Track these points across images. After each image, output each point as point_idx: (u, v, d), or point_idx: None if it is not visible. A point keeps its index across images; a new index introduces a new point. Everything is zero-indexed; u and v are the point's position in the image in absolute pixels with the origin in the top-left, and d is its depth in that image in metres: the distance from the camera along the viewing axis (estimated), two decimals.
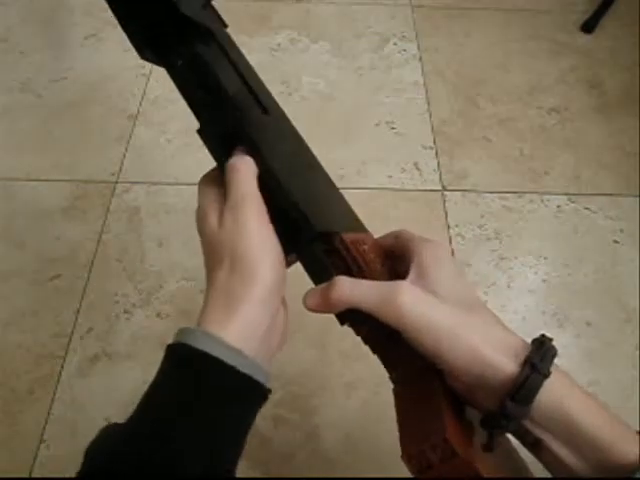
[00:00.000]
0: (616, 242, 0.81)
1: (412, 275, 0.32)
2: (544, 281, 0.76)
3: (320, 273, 0.35)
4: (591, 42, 1.09)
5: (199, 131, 0.36)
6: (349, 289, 0.32)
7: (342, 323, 0.35)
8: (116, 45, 1.02)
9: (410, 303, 0.30)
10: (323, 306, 0.33)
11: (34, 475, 0.58)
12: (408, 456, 0.29)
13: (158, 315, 0.70)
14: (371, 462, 0.61)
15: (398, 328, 0.30)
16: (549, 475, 0.30)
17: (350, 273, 0.33)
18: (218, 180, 0.35)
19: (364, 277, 0.33)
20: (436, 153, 0.90)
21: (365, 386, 0.66)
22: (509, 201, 0.85)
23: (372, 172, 0.87)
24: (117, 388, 0.63)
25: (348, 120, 0.94)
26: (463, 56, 1.06)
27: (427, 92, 0.99)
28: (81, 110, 0.94)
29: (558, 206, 0.84)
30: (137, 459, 0.26)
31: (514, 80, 1.02)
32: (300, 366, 0.67)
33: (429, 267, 0.32)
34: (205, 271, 0.34)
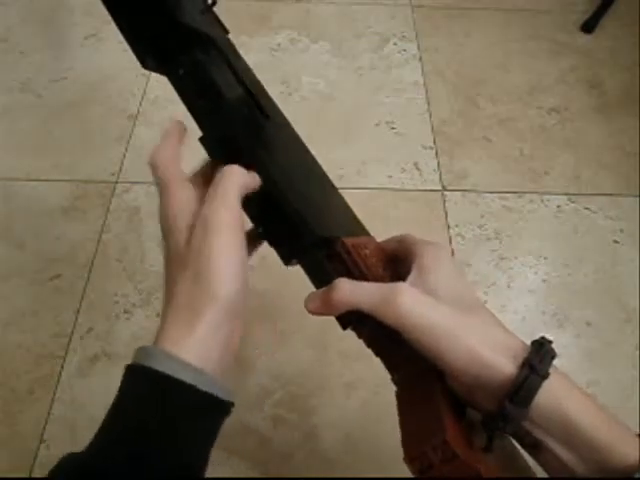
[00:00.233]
0: (616, 242, 0.81)
1: (412, 276, 0.32)
2: (544, 281, 0.76)
3: (321, 278, 0.35)
4: (591, 42, 1.09)
5: (201, 139, 0.36)
6: (349, 290, 0.32)
7: (344, 327, 0.35)
8: (116, 45, 1.02)
9: (409, 303, 0.30)
10: (324, 308, 0.33)
11: (34, 475, 0.58)
12: (410, 457, 0.29)
13: (158, 315, 0.70)
14: (371, 462, 0.61)
15: (398, 328, 0.30)
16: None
17: (351, 277, 0.33)
18: (200, 181, 0.35)
19: (366, 281, 0.33)
20: (436, 153, 0.90)
21: (364, 386, 0.66)
22: (509, 201, 0.85)
23: (372, 172, 0.87)
24: (117, 388, 0.63)
25: (348, 120, 0.94)
26: (463, 56, 1.06)
27: (427, 92, 0.99)
28: (81, 110, 0.94)
29: (558, 206, 0.84)
30: None
31: (514, 80, 1.02)
32: (299, 366, 0.67)
33: (429, 268, 0.32)
34: (165, 276, 0.33)
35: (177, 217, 0.33)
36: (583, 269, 0.78)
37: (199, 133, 0.36)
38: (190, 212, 0.33)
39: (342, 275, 0.33)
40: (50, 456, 0.59)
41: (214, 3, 0.38)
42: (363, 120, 0.94)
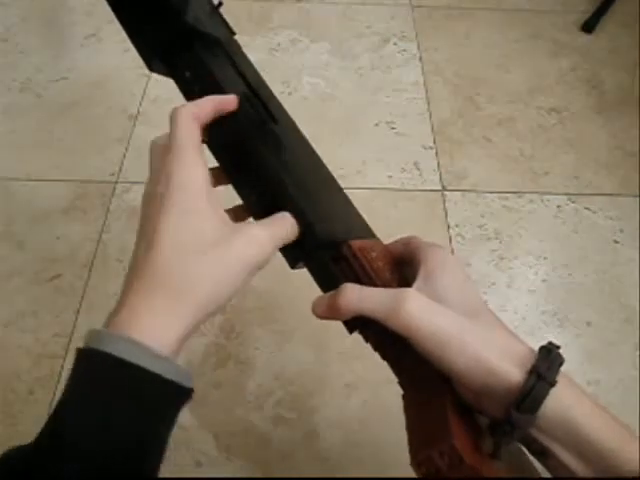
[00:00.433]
0: (616, 242, 0.81)
1: (419, 282, 0.32)
2: (544, 281, 0.76)
3: (328, 281, 0.34)
4: (591, 42, 1.10)
5: (207, 142, 0.36)
6: (356, 296, 0.32)
7: (351, 332, 0.35)
8: (116, 45, 1.02)
9: (416, 310, 0.30)
10: (331, 313, 0.33)
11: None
12: (416, 461, 0.29)
13: None
14: (371, 462, 0.61)
15: (403, 335, 0.30)
16: None
17: (358, 280, 0.33)
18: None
19: (372, 284, 0.33)
20: (436, 153, 0.90)
21: (365, 386, 0.66)
22: (509, 201, 0.85)
23: (372, 172, 0.87)
24: None
25: (348, 120, 0.94)
26: (463, 56, 1.06)
27: (427, 92, 0.99)
28: (81, 110, 0.94)
29: (558, 206, 0.85)
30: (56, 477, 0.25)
31: (514, 80, 1.02)
32: (299, 366, 0.67)
33: (435, 273, 0.32)
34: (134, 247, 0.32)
35: (188, 190, 0.30)
36: (583, 269, 0.78)
37: None
38: (203, 193, 0.30)
39: (349, 278, 0.33)
40: None
41: (220, 4, 0.38)
42: (363, 120, 0.94)
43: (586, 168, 0.89)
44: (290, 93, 0.98)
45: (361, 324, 0.33)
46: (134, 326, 0.27)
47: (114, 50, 1.02)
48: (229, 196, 0.36)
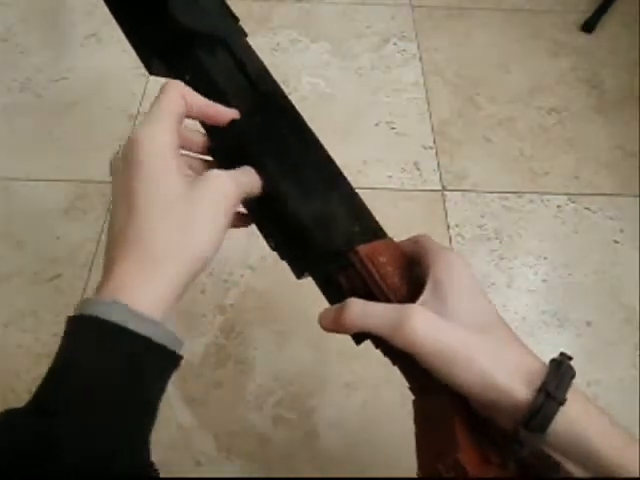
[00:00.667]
0: (616, 242, 0.81)
1: (426, 294, 0.31)
2: (544, 281, 0.76)
3: (333, 294, 0.34)
4: (591, 42, 1.09)
5: (210, 148, 0.36)
6: (361, 312, 0.31)
7: (358, 343, 0.34)
8: (116, 45, 1.02)
9: (420, 329, 0.29)
10: (336, 327, 0.33)
11: None
12: (422, 472, 0.29)
13: None
14: (371, 462, 0.61)
15: (409, 352, 0.30)
16: None
17: (366, 289, 0.33)
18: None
19: (381, 292, 0.33)
20: (436, 153, 0.90)
21: (365, 386, 0.66)
22: (509, 201, 0.85)
23: (372, 172, 0.87)
24: None
25: (348, 120, 0.94)
26: (463, 56, 1.06)
27: (427, 92, 0.99)
28: (81, 110, 0.94)
29: (558, 206, 0.84)
30: (51, 442, 0.25)
31: (514, 80, 1.02)
32: (299, 366, 0.67)
33: (444, 283, 0.31)
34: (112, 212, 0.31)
35: (165, 157, 0.30)
36: (583, 269, 0.78)
37: None
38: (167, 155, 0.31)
39: (356, 286, 0.33)
40: None
41: None
42: (363, 120, 0.94)
43: (586, 168, 0.89)
44: (290, 93, 0.96)
45: (368, 337, 0.33)
46: (120, 291, 0.28)
47: (114, 50, 1.02)
48: None
